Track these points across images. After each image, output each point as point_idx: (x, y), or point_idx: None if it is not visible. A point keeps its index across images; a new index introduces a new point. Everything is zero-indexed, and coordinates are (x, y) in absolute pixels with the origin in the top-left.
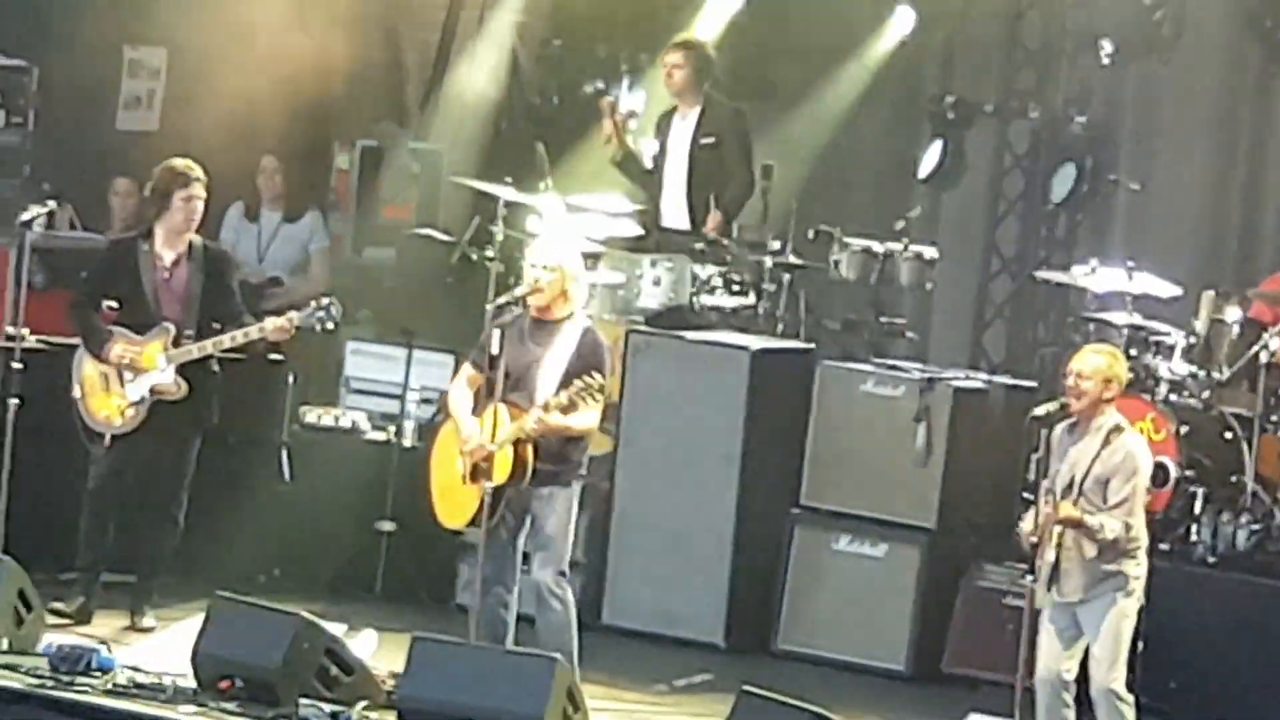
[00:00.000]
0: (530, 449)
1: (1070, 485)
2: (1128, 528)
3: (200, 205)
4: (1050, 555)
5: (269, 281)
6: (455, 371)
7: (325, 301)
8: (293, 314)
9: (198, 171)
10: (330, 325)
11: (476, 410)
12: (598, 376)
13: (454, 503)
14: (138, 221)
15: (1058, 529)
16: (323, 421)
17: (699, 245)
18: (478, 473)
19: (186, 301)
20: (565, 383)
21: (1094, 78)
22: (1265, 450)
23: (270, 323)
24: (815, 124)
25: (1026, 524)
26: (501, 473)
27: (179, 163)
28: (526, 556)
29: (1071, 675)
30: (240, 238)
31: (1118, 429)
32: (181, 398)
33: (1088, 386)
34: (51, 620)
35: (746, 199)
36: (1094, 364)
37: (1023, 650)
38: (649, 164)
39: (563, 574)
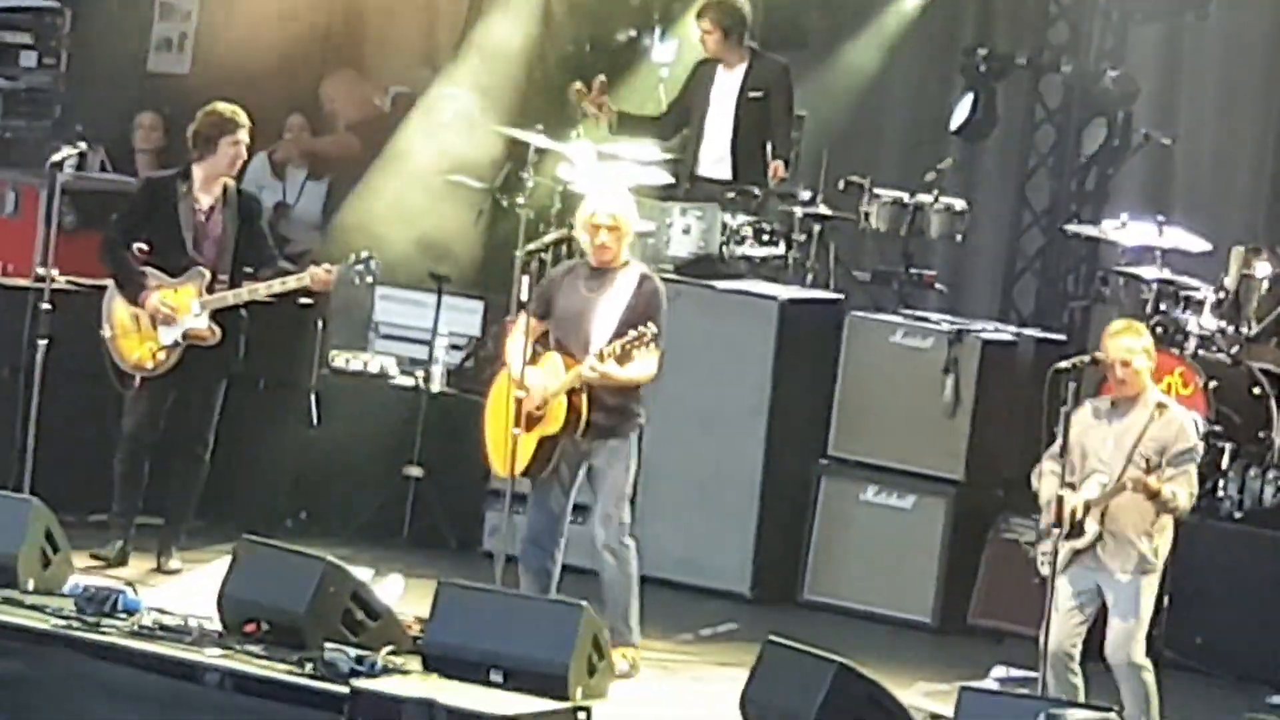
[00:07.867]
0: (585, 399)
1: (1127, 459)
2: (1191, 496)
3: (244, 152)
4: (1093, 528)
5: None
6: (484, 317)
7: (365, 255)
8: (330, 266)
9: (244, 118)
10: (370, 279)
11: (533, 360)
12: (651, 326)
13: (508, 452)
14: (164, 155)
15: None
16: (351, 366)
17: (732, 195)
18: (533, 421)
19: (222, 246)
20: (620, 331)
21: (1127, 32)
22: None
23: (311, 273)
24: (847, 74)
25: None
26: (554, 423)
27: (225, 108)
28: (581, 509)
29: (1078, 650)
30: (263, 193)
31: (1162, 405)
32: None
33: (1140, 365)
34: (90, 564)
35: (788, 151)
36: (1129, 346)
37: (1048, 602)
38: (680, 114)
39: (624, 530)
